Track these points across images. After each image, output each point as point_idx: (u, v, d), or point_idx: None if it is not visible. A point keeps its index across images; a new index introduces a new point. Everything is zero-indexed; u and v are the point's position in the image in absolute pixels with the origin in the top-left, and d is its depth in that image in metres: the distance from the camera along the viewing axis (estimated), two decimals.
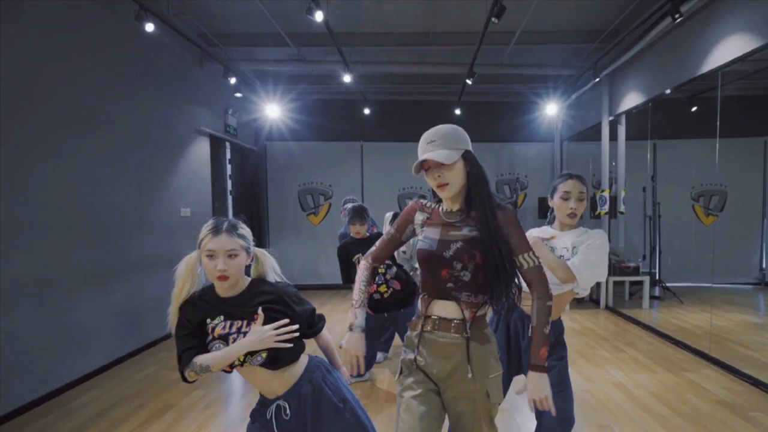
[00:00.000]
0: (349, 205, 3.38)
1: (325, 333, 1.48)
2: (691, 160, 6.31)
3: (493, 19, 3.25)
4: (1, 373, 2.51)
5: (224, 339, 1.26)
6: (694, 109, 5.65)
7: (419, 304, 1.34)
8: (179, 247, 4.47)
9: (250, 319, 1.28)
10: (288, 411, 1.31)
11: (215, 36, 4.72)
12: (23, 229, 2.67)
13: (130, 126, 3.68)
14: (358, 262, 1.45)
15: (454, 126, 1.31)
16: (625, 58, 4.39)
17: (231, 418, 2.61)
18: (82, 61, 3.14)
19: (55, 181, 2.90)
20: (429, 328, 1.28)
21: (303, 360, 1.37)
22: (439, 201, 1.36)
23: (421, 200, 1.40)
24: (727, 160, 6.24)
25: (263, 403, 1.36)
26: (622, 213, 5.33)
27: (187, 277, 1.31)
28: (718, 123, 3.58)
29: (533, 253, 1.25)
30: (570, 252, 1.63)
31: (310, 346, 1.45)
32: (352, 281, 1.42)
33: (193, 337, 1.28)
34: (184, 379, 1.26)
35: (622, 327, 4.52)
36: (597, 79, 4.96)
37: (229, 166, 6.17)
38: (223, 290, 1.30)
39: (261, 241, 6.39)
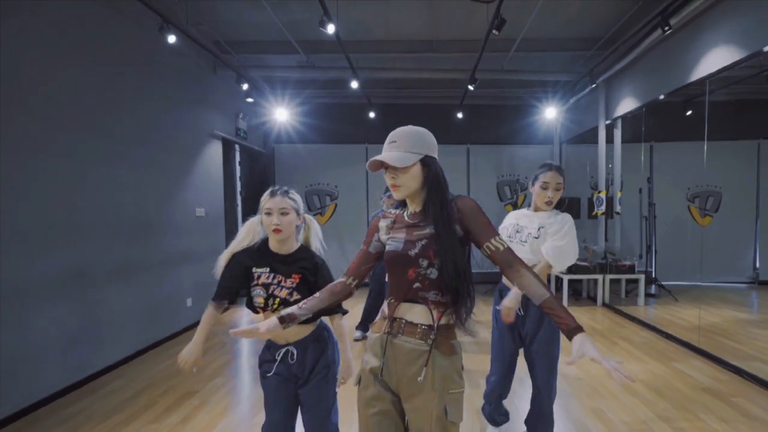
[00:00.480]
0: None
1: (343, 321, 1.70)
2: (686, 162, 6.49)
3: (494, 32, 3.46)
4: (39, 361, 2.73)
5: (266, 287, 1.56)
6: (689, 113, 5.85)
7: (385, 308, 1.31)
8: (195, 245, 4.72)
9: (288, 276, 1.56)
10: (295, 356, 1.56)
11: (228, 44, 4.94)
12: (60, 228, 2.89)
13: (150, 129, 3.90)
14: None
15: (420, 129, 1.25)
16: (620, 65, 4.60)
17: (252, 401, 2.82)
18: (109, 70, 3.36)
19: (84, 183, 3.12)
20: (394, 330, 1.24)
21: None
22: (403, 206, 1.34)
23: (383, 211, 1.41)
24: (722, 162, 6.45)
25: (270, 347, 1.61)
26: (618, 213, 5.53)
27: (247, 233, 1.62)
28: (706, 127, 3.78)
29: (500, 237, 1.20)
30: (536, 231, 1.93)
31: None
32: None
33: (234, 279, 1.58)
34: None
35: (617, 322, 4.73)
36: (594, 85, 5.17)
37: (238, 168, 6.40)
38: (276, 244, 1.58)
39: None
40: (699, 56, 3.65)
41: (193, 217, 4.65)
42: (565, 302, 5.57)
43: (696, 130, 4.46)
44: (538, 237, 1.93)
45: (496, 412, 2.25)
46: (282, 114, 6.38)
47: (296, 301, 1.44)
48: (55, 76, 2.88)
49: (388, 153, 1.22)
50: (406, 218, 1.30)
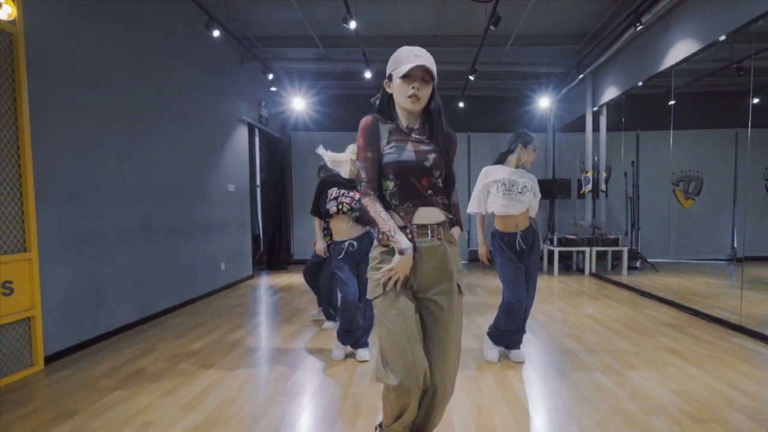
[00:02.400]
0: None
1: None
2: (669, 149, 7.07)
3: (491, 27, 4.05)
4: (117, 298, 3.34)
5: (335, 199, 2.70)
6: (671, 103, 6.44)
7: (394, 217, 1.38)
8: (226, 217, 5.34)
9: (349, 191, 2.71)
10: (355, 246, 2.67)
11: (256, 38, 5.53)
12: (129, 191, 3.50)
13: (194, 113, 4.50)
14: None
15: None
16: (603, 58, 5.19)
17: (284, 335, 3.43)
18: (158, 59, 3.96)
19: (143, 157, 3.72)
20: (417, 238, 1.35)
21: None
22: (395, 121, 1.42)
23: (375, 116, 1.43)
24: (703, 149, 7.04)
25: (336, 242, 2.74)
26: (603, 191, 6.12)
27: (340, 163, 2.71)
28: (672, 115, 4.37)
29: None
30: (521, 188, 2.61)
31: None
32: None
33: (320, 197, 2.84)
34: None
35: (602, 286, 5.33)
36: (581, 76, 5.76)
37: (258, 153, 7.00)
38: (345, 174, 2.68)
39: (286, 219, 7.21)
40: (667, 48, 4.25)
41: (226, 191, 5.25)
42: (555, 273, 6.19)
43: (677, 120, 5.02)
44: (522, 192, 2.59)
45: (519, 334, 2.72)
46: (299, 103, 6.97)
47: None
48: (119, 64, 3.48)
49: (428, 64, 1.31)
50: (404, 130, 1.40)
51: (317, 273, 3.60)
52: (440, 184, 1.40)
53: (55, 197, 2.78)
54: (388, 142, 1.37)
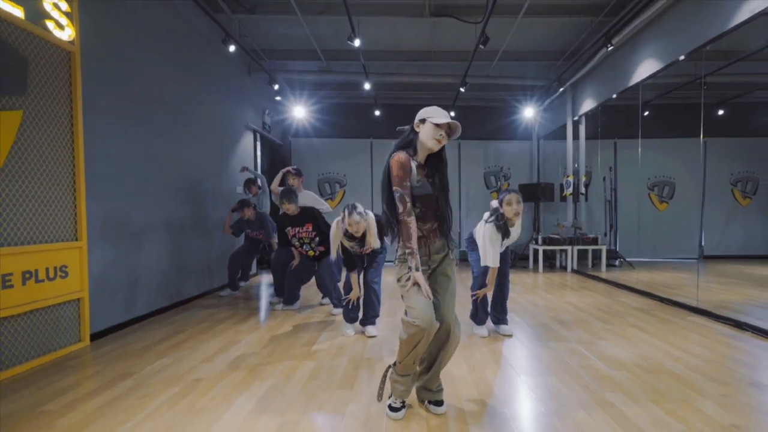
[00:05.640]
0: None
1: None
2: (644, 156, 7.66)
3: (480, 46, 4.54)
4: (149, 286, 3.69)
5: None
6: (645, 113, 7.03)
7: (411, 228, 1.84)
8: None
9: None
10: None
11: (262, 51, 5.95)
12: (152, 187, 3.87)
13: (207, 119, 4.89)
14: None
15: None
16: (581, 73, 5.74)
17: (293, 322, 3.81)
18: (184, 74, 4.36)
19: (167, 160, 4.10)
20: (431, 237, 1.91)
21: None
22: (414, 152, 1.87)
23: (408, 152, 1.86)
24: (675, 157, 7.63)
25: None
26: (583, 194, 6.65)
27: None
28: (639, 125, 4.91)
29: None
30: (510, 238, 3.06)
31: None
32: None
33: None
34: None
35: (583, 281, 5.82)
36: (562, 89, 6.30)
37: (260, 158, 7.38)
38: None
39: None
40: (635, 66, 4.79)
41: (235, 192, 5.62)
42: (540, 270, 6.67)
43: (651, 129, 5.53)
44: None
45: (503, 314, 3.28)
46: (300, 111, 7.39)
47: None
48: (151, 78, 3.87)
49: (453, 127, 1.84)
50: (421, 166, 1.88)
51: (286, 265, 4.10)
52: (442, 207, 1.94)
53: (98, 194, 3.14)
54: (417, 179, 1.84)
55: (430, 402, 1.98)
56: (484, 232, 2.91)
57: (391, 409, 1.92)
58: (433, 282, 1.95)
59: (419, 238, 1.88)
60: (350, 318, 3.28)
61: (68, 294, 2.83)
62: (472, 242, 3.25)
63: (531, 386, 2.23)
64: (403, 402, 1.95)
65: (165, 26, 4.04)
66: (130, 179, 3.53)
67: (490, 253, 2.88)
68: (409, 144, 1.87)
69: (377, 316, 3.26)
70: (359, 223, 2.86)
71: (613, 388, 2.19)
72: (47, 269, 2.67)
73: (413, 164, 1.84)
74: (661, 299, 4.31)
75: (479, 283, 3.16)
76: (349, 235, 2.96)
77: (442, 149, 1.87)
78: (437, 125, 1.80)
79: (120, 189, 3.40)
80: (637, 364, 2.51)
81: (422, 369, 2.00)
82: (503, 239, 2.96)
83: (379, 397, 2.04)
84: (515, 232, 3.03)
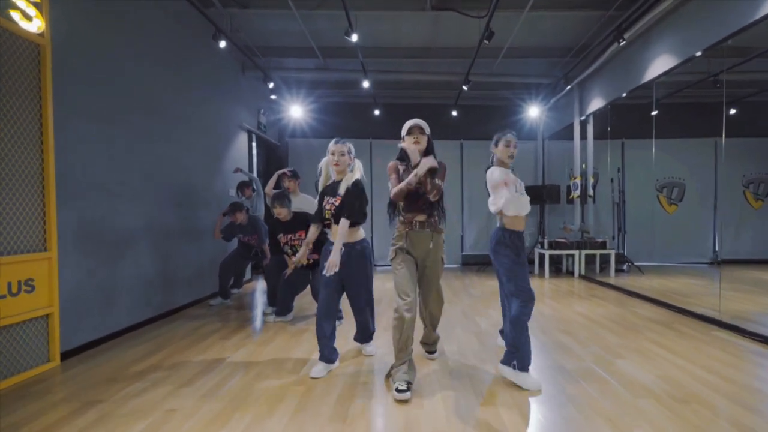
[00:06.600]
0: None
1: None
2: (653, 156, 7.40)
3: (485, 41, 4.29)
4: (127, 297, 3.44)
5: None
6: (654, 113, 6.77)
7: (399, 219, 2.49)
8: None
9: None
10: (343, 252, 2.53)
11: (257, 48, 5.71)
12: (136, 192, 3.62)
13: (195, 119, 4.64)
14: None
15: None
16: (590, 70, 5.48)
17: (293, 335, 3.56)
18: (170, 71, 4.11)
19: (150, 162, 3.85)
20: (415, 229, 2.43)
21: (362, 233, 2.66)
22: (407, 163, 2.41)
23: (396, 161, 2.47)
24: (685, 157, 7.37)
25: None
26: (590, 196, 6.39)
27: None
28: (653, 125, 4.64)
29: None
30: (521, 185, 2.57)
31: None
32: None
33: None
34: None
35: (591, 287, 5.56)
36: (569, 87, 6.04)
37: (256, 159, 7.12)
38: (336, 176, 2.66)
39: None
40: (648, 62, 4.53)
41: (227, 195, 5.37)
42: (546, 275, 6.41)
43: (660, 129, 5.29)
44: (522, 192, 2.57)
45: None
46: (297, 111, 7.14)
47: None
48: (132, 73, 3.62)
49: (420, 125, 2.41)
50: (411, 168, 2.37)
51: (281, 272, 3.79)
52: (430, 200, 2.40)
53: (73, 199, 2.89)
54: (402, 176, 2.41)
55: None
56: (489, 176, 2.48)
57: (398, 391, 2.18)
58: (421, 270, 2.53)
59: (403, 223, 2.47)
60: (323, 355, 2.60)
61: (35, 310, 2.57)
62: (496, 243, 2.50)
63: (547, 420, 1.97)
64: (408, 384, 2.23)
65: (150, 20, 3.79)
66: (111, 183, 3.28)
67: (503, 192, 2.41)
68: (403, 156, 2.48)
69: (374, 331, 2.99)
70: (343, 155, 2.53)
71: (640, 421, 1.93)
72: (9, 284, 2.41)
73: (400, 168, 2.47)
74: (679, 310, 4.04)
75: (526, 302, 2.37)
76: (328, 189, 2.63)
77: (432, 152, 2.46)
78: (407, 135, 2.40)
79: (99, 193, 3.15)
80: (665, 391, 2.24)
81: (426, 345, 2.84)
82: (518, 185, 2.50)
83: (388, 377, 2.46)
84: (526, 200, 2.51)
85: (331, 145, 2.59)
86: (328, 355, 2.58)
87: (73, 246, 2.90)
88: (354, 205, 2.51)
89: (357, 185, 2.53)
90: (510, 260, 2.43)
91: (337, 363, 2.67)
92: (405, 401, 2.14)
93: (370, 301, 2.82)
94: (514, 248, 2.46)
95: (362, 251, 2.64)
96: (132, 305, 3.49)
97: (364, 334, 2.91)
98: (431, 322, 2.72)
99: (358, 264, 2.62)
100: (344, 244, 2.55)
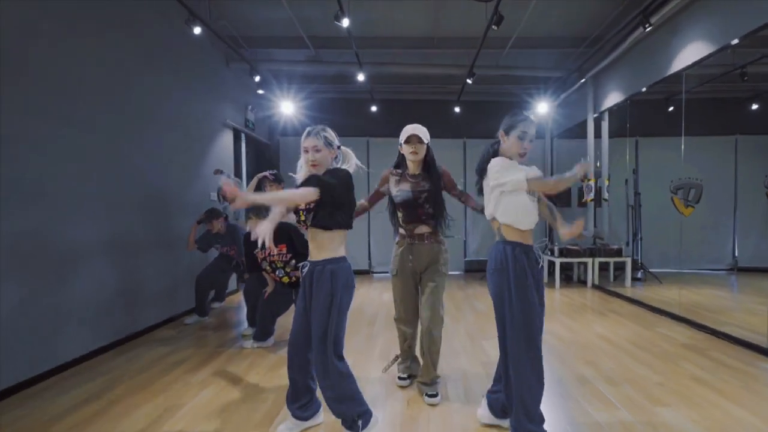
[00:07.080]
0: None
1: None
2: (669, 155, 6.90)
3: (493, 27, 3.80)
4: (80, 322, 2.97)
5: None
6: (671, 109, 6.27)
7: (400, 231, 2.42)
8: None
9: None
10: (305, 271, 1.86)
11: (242, 39, 5.22)
12: (95, 200, 3.15)
13: (171, 116, 4.16)
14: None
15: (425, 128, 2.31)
16: (607, 61, 4.98)
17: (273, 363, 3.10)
18: (139, 62, 3.63)
19: (114, 165, 3.38)
20: (415, 242, 2.35)
21: (340, 248, 1.86)
22: (404, 171, 2.37)
23: (391, 169, 2.42)
24: (702, 156, 6.86)
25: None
26: (605, 200, 5.90)
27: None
28: (682, 120, 4.15)
29: (458, 186, 2.46)
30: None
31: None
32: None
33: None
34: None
35: (606, 300, 5.08)
36: (583, 80, 5.55)
37: (245, 159, 6.65)
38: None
39: None
40: (677, 51, 4.03)
41: (208, 200, 4.90)
42: (557, 285, 5.93)
43: (677, 126, 4.82)
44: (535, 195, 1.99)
45: None
46: (288, 107, 6.64)
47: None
48: (91, 64, 3.14)
49: (420, 132, 2.26)
50: (408, 177, 2.35)
51: (260, 291, 3.35)
52: (430, 211, 2.34)
53: (8, 209, 2.42)
54: (397, 185, 2.37)
55: (426, 395, 2.32)
56: (491, 166, 1.90)
57: (400, 378, 2.51)
58: (422, 281, 2.40)
59: (402, 235, 2.42)
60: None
61: None
62: (493, 260, 1.90)
63: None
64: (409, 375, 2.53)
65: (115, 3, 3.30)
66: (61, 190, 2.81)
67: (510, 174, 1.85)
68: (400, 163, 2.41)
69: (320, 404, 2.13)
70: (319, 151, 1.89)
71: None
72: None
73: (392, 177, 2.41)
74: (713, 332, 3.56)
75: (538, 349, 1.82)
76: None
77: (432, 160, 2.35)
78: (406, 143, 2.28)
79: (44, 202, 2.68)
80: None
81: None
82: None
83: (384, 370, 2.61)
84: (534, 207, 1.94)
85: (303, 139, 1.92)
86: (299, 411, 1.95)
87: (9, 265, 2.44)
88: (324, 200, 1.77)
89: (335, 174, 1.85)
90: (519, 292, 1.81)
91: (317, 420, 2.03)
92: (404, 387, 2.48)
93: (325, 340, 1.78)
94: (524, 272, 1.83)
95: (328, 274, 1.79)
96: (85, 333, 3.02)
97: (305, 394, 1.98)
98: (429, 348, 2.30)
99: (318, 289, 1.80)
100: (309, 261, 1.85)
